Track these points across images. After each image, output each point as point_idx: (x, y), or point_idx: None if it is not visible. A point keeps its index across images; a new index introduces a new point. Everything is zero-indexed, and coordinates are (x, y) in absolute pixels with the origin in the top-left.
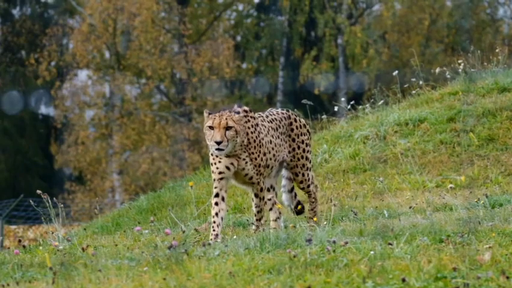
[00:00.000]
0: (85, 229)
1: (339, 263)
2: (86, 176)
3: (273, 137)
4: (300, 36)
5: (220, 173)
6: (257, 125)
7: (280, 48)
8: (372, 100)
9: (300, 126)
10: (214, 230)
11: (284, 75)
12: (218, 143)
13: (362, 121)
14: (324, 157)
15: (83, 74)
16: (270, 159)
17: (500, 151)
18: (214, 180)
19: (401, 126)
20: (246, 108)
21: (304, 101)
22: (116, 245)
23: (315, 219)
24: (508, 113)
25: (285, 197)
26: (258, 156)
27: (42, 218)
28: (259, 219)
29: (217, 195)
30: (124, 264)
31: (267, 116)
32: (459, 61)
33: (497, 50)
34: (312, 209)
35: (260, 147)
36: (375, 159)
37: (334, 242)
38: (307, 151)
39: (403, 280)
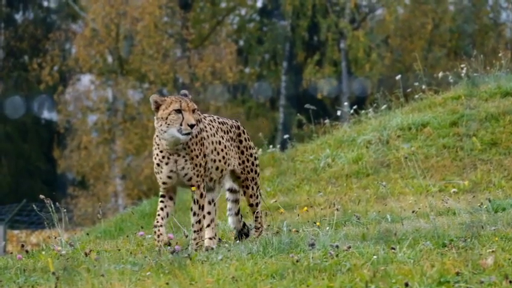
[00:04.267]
0: (87, 234)
1: (342, 267)
2: (89, 180)
3: (222, 139)
4: (302, 40)
5: (163, 183)
6: (199, 121)
7: (283, 52)
8: (375, 104)
9: (247, 139)
10: (159, 242)
11: (287, 80)
12: (192, 126)
13: (364, 125)
14: (327, 161)
15: (85, 79)
16: (220, 161)
17: (503, 155)
18: (159, 184)
19: (404, 130)
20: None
21: (307, 106)
22: (119, 250)
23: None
24: (511, 117)
25: (231, 220)
26: (199, 154)
27: (45, 222)
28: (198, 231)
29: (163, 195)
30: (127, 269)
31: (217, 118)
32: (462, 65)
33: (500, 54)
34: (256, 230)
35: (202, 145)
36: (378, 164)
37: (337, 246)
38: (257, 165)
39: (406, 285)
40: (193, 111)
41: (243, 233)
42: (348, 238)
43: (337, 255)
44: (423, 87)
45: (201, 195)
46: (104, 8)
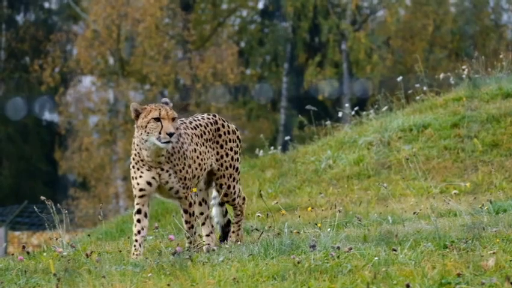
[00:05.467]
0: (89, 235)
1: (343, 269)
2: (90, 182)
3: (197, 145)
4: (304, 42)
5: (141, 189)
6: (180, 135)
7: (284, 54)
8: (376, 106)
9: (229, 132)
10: (136, 250)
11: (288, 81)
12: (171, 135)
13: (366, 127)
14: (328, 163)
15: (87, 80)
16: (196, 169)
17: (504, 157)
18: (135, 196)
19: (405, 132)
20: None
21: (308, 107)
22: (120, 251)
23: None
24: None
25: (215, 211)
26: (183, 168)
27: (46, 224)
28: (191, 236)
29: (139, 211)
30: (128, 270)
31: (190, 122)
32: (463, 67)
33: (501, 56)
34: (236, 222)
35: (185, 158)
36: (379, 165)
37: (338, 248)
38: (236, 159)
39: (407, 286)
40: (173, 119)
41: (227, 230)
42: (349, 239)
43: (338, 257)
44: (425, 88)
45: (190, 205)
46: (106, 10)
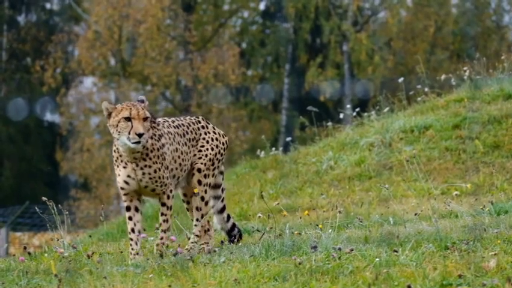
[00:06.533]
0: (90, 236)
1: (344, 270)
2: (91, 183)
3: (179, 144)
4: (305, 43)
5: (121, 188)
6: (161, 135)
7: (285, 55)
8: (377, 107)
9: (214, 133)
10: (133, 249)
11: (289, 82)
12: (140, 135)
13: (367, 128)
14: (330, 164)
15: (88, 81)
16: (176, 168)
17: (505, 158)
18: (120, 193)
19: (406, 133)
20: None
21: (309, 108)
22: (122, 252)
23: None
24: None
25: (215, 219)
26: (160, 168)
27: (48, 225)
28: (165, 230)
29: (128, 208)
30: (130, 271)
31: (173, 121)
32: (464, 68)
33: (502, 57)
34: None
35: (164, 158)
36: (381, 166)
37: (339, 249)
38: (216, 159)
39: (408, 287)
40: (145, 119)
41: (233, 234)
42: (350, 241)
43: (339, 258)
44: (426, 89)
45: (168, 197)
46: (107, 10)
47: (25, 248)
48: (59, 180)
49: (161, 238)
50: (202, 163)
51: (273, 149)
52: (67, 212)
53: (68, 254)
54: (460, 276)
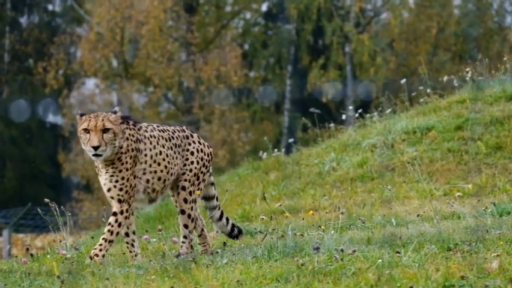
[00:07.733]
0: (92, 237)
1: (347, 271)
2: (93, 184)
3: (163, 147)
4: (307, 44)
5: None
6: (139, 140)
7: (287, 56)
8: (379, 108)
9: (200, 143)
10: (131, 252)
11: (292, 84)
12: (95, 148)
13: (369, 129)
14: (332, 165)
15: (90, 83)
16: (161, 171)
17: (508, 159)
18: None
19: (408, 134)
20: (127, 115)
21: (312, 109)
22: (124, 254)
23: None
24: None
25: (216, 226)
26: (124, 177)
27: (50, 226)
28: (106, 240)
29: (114, 214)
30: (132, 272)
31: (158, 126)
32: (467, 69)
33: (504, 58)
34: (184, 236)
35: (134, 162)
36: (383, 168)
37: (342, 250)
38: (202, 173)
39: None
40: (104, 131)
41: (234, 235)
42: (353, 242)
43: (342, 259)
44: (428, 91)
45: (121, 212)
46: (109, 12)
47: (27, 249)
48: (62, 181)
49: (101, 244)
50: (186, 179)
51: (276, 150)
52: (69, 214)
53: (70, 256)
54: (462, 277)
